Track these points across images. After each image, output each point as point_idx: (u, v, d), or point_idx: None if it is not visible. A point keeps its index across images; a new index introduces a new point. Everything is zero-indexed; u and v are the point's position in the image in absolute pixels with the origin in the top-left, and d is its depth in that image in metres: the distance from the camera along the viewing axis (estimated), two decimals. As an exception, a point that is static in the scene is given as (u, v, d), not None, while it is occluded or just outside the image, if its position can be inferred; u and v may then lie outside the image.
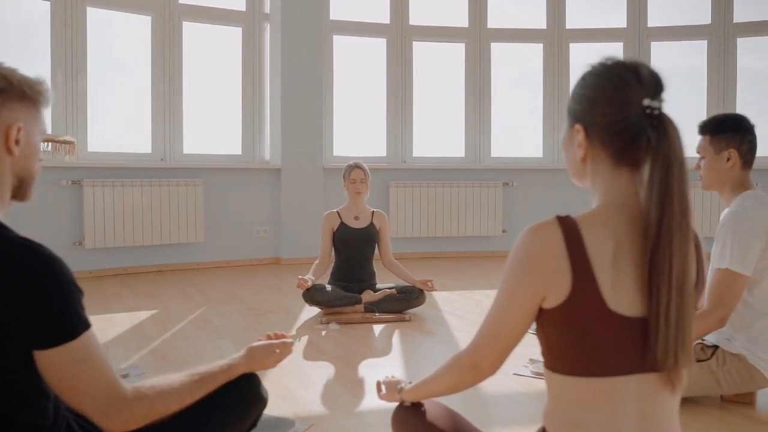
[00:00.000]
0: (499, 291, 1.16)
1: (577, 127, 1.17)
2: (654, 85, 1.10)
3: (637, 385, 1.09)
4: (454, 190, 6.37)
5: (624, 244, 1.09)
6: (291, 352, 1.62)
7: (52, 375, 1.17)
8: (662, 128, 1.07)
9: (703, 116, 6.36)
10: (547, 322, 1.12)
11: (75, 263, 5.06)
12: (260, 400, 1.51)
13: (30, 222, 4.88)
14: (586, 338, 1.08)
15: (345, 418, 2.18)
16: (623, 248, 1.09)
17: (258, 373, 1.54)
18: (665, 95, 1.11)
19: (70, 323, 1.18)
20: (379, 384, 1.59)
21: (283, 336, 1.62)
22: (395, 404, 1.47)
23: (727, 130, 2.24)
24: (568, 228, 1.10)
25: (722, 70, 6.46)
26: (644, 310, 1.08)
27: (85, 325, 1.20)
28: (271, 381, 2.58)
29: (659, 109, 1.08)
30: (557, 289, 1.08)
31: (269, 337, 1.63)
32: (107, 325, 3.56)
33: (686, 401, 2.32)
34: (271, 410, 2.23)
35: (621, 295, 1.07)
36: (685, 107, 6.51)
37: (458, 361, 1.26)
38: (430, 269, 5.42)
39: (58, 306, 1.17)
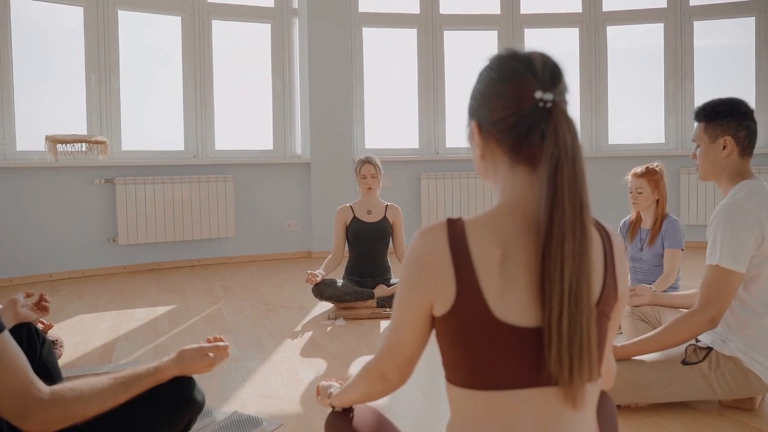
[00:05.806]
0: (395, 299, 1.11)
1: (473, 124, 1.10)
2: (549, 76, 1.02)
3: (534, 399, 1.02)
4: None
5: (515, 248, 1.01)
6: (227, 356, 1.60)
7: (-37, 378, 1.21)
8: (552, 122, 0.99)
9: (752, 96, 6.06)
10: (439, 331, 1.06)
11: (109, 259, 5.27)
12: (192, 404, 1.49)
13: (65, 219, 5.08)
14: (475, 349, 1.02)
15: (317, 418, 2.15)
16: (514, 253, 1.01)
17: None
18: (563, 87, 1.03)
19: (-22, 328, 1.20)
20: (318, 388, 1.57)
21: (220, 340, 1.60)
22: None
23: (722, 116, 2.08)
24: (455, 232, 1.04)
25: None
26: (538, 319, 1.00)
27: (-5, 330, 1.22)
28: (257, 379, 2.59)
29: (552, 102, 1.00)
30: (443, 297, 1.02)
31: (208, 341, 1.62)
32: (123, 320, 3.65)
33: (682, 406, 2.18)
34: (247, 409, 2.25)
35: (510, 303, 1.00)
36: (733, 87, 6.14)
37: (367, 371, 1.23)
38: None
39: (-34, 312, 1.20)
